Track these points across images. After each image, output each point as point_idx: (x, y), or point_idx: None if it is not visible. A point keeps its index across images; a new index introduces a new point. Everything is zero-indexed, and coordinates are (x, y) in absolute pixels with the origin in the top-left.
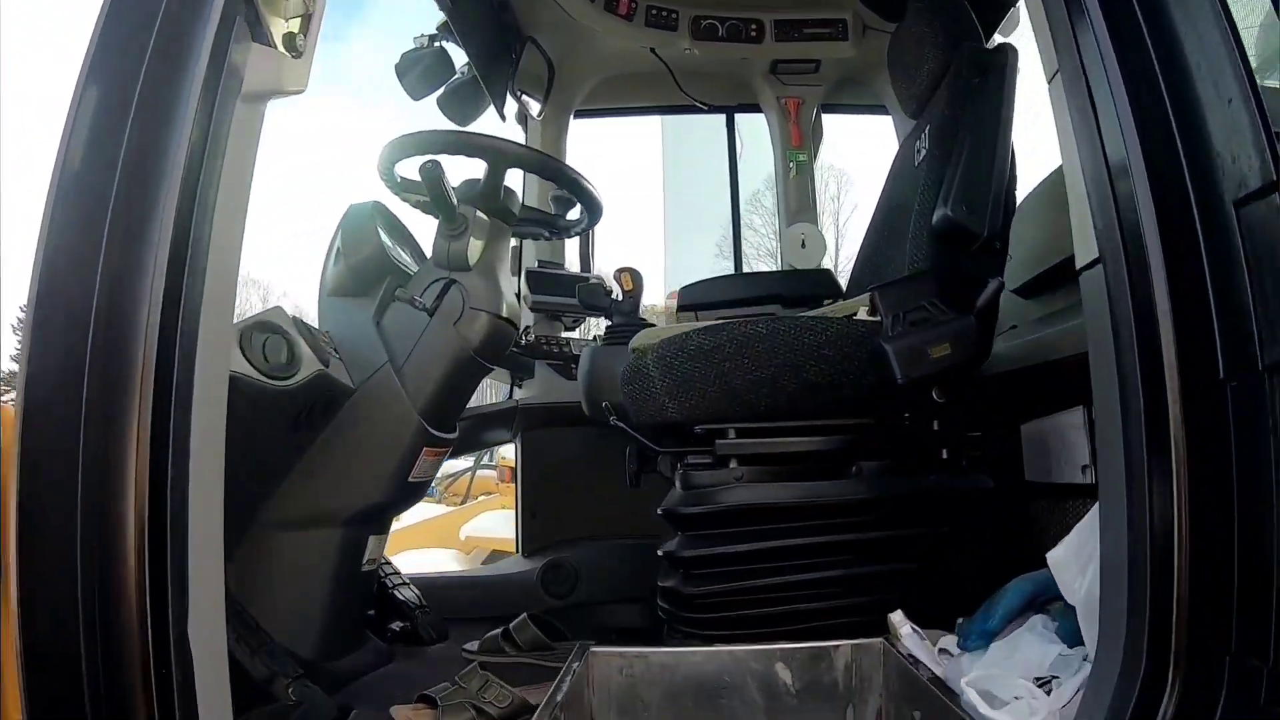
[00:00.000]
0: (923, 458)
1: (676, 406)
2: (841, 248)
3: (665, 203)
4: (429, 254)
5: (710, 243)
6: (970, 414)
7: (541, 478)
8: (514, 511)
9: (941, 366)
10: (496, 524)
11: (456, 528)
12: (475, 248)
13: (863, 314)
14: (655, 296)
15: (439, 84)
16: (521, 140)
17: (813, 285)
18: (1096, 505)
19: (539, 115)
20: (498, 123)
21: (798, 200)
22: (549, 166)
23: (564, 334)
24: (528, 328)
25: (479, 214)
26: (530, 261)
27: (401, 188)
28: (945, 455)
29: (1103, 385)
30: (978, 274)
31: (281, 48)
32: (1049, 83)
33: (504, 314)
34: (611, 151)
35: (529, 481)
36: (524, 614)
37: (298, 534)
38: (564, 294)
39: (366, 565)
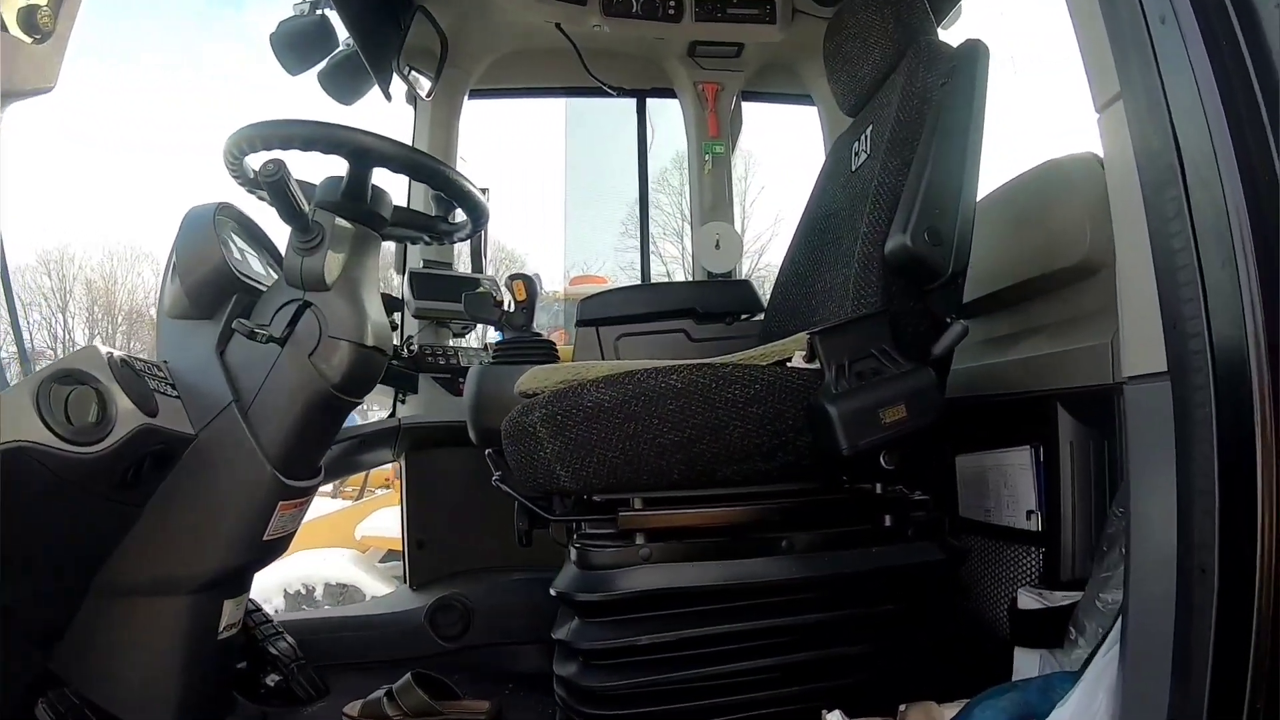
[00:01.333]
0: (863, 528)
1: (569, 474)
2: (746, 229)
3: (566, 182)
4: None
5: (614, 220)
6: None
7: (428, 504)
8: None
9: (895, 434)
10: (393, 521)
11: (352, 525)
12: (334, 262)
13: (798, 360)
14: (554, 282)
15: (319, 58)
16: (410, 124)
17: (730, 298)
18: (1097, 658)
19: (428, 95)
20: (383, 103)
21: (713, 196)
22: (423, 166)
23: (452, 342)
24: (410, 337)
25: (339, 221)
26: (415, 261)
27: (255, 184)
28: (889, 523)
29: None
30: (935, 311)
31: (17, 29)
32: (1101, 111)
33: (369, 342)
34: (510, 125)
35: (414, 508)
36: (408, 674)
37: (141, 602)
38: (452, 299)
39: (225, 632)
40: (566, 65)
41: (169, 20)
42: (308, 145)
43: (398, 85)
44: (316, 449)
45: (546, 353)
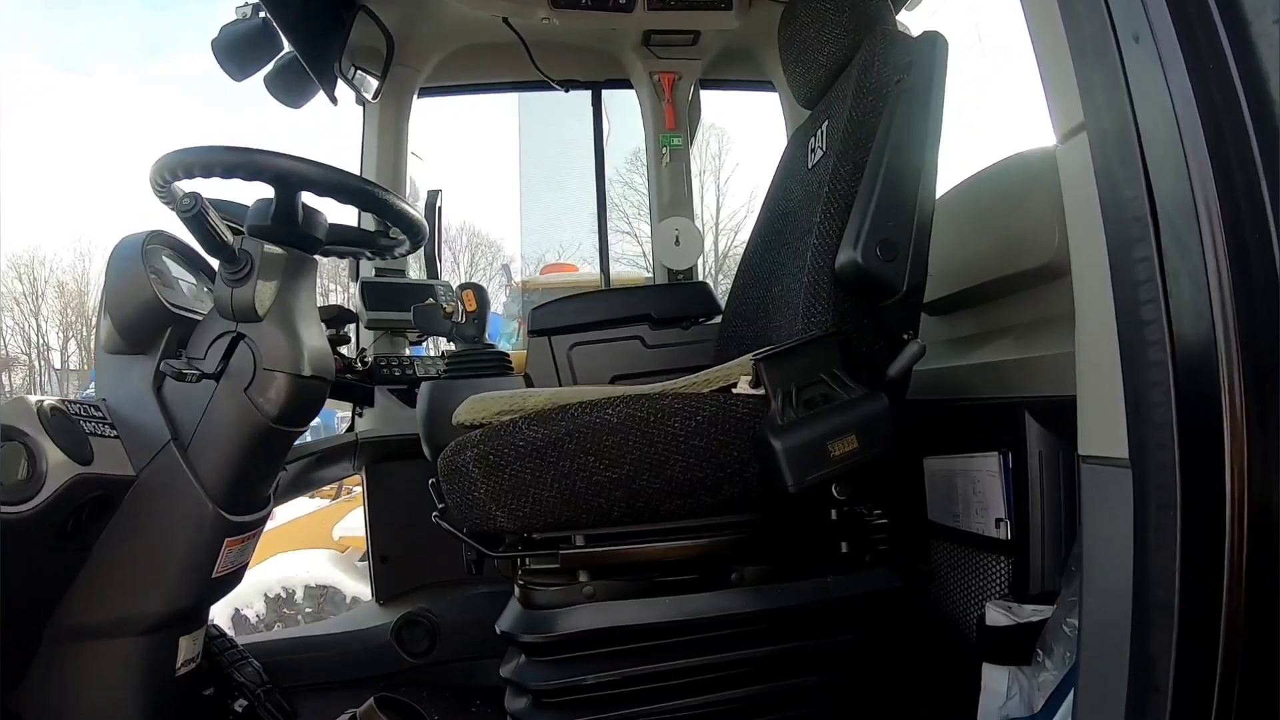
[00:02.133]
0: (818, 555)
1: (505, 515)
2: (722, 207)
3: (521, 171)
4: None
5: (572, 204)
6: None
7: (391, 517)
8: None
9: (845, 466)
10: None
11: (329, 525)
12: (266, 291)
13: (744, 385)
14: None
15: (263, 62)
16: (359, 125)
17: (686, 301)
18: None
19: (374, 97)
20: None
21: (671, 190)
22: (351, 189)
23: (408, 351)
24: (364, 349)
25: (269, 248)
26: (368, 270)
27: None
28: (845, 549)
29: None
30: (889, 328)
31: None
32: (1062, 143)
33: (306, 372)
34: (463, 115)
35: (378, 521)
36: (371, 699)
37: (95, 644)
38: (406, 308)
39: (183, 667)
40: (519, 59)
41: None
42: (229, 173)
43: (344, 88)
44: (261, 481)
45: (499, 365)
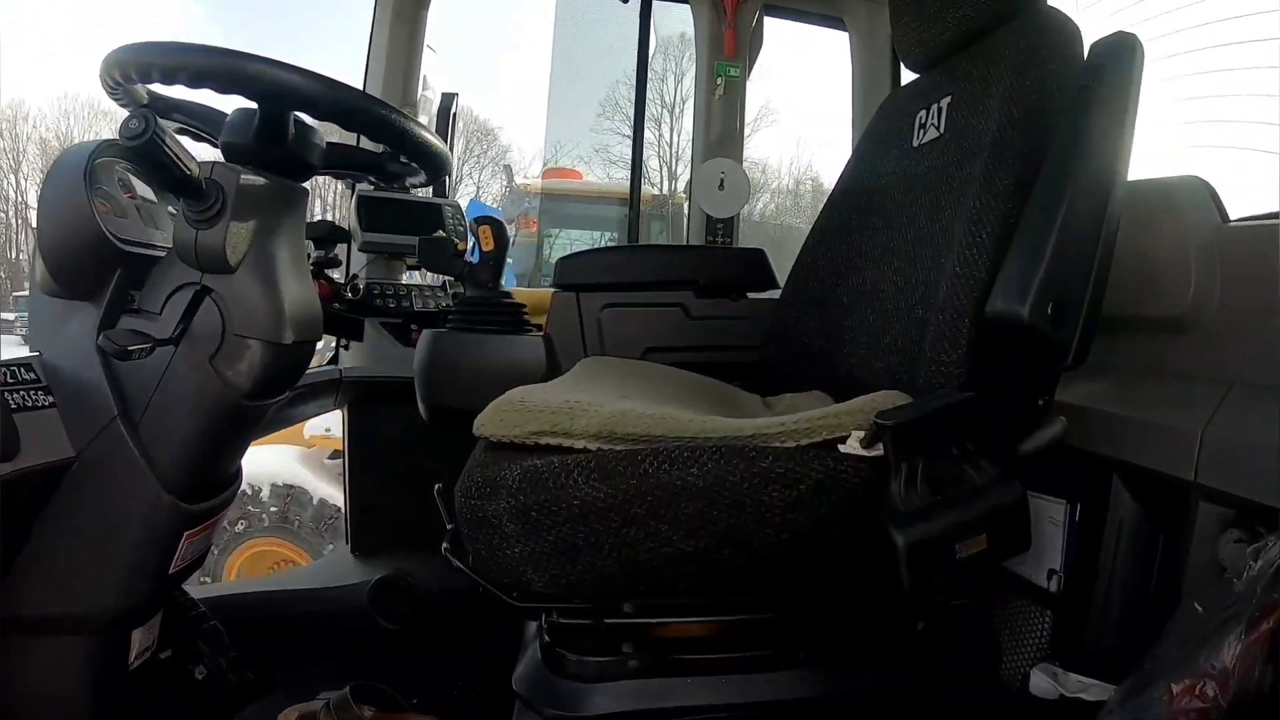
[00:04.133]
0: (893, 633)
1: (544, 579)
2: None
3: (552, 75)
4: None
5: (596, 107)
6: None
7: (374, 464)
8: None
9: (968, 570)
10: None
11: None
12: (240, 235)
13: (855, 443)
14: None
15: None
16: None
17: (738, 270)
18: None
19: None
20: None
21: (721, 127)
22: (359, 110)
23: (405, 278)
24: (355, 275)
25: (247, 178)
26: (364, 183)
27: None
28: (921, 627)
29: None
30: (1025, 390)
31: None
32: None
33: (288, 339)
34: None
35: (358, 467)
36: (347, 688)
37: (42, 641)
38: (408, 228)
39: (137, 660)
40: None
41: None
42: (196, 80)
43: None
44: (227, 462)
45: (515, 319)
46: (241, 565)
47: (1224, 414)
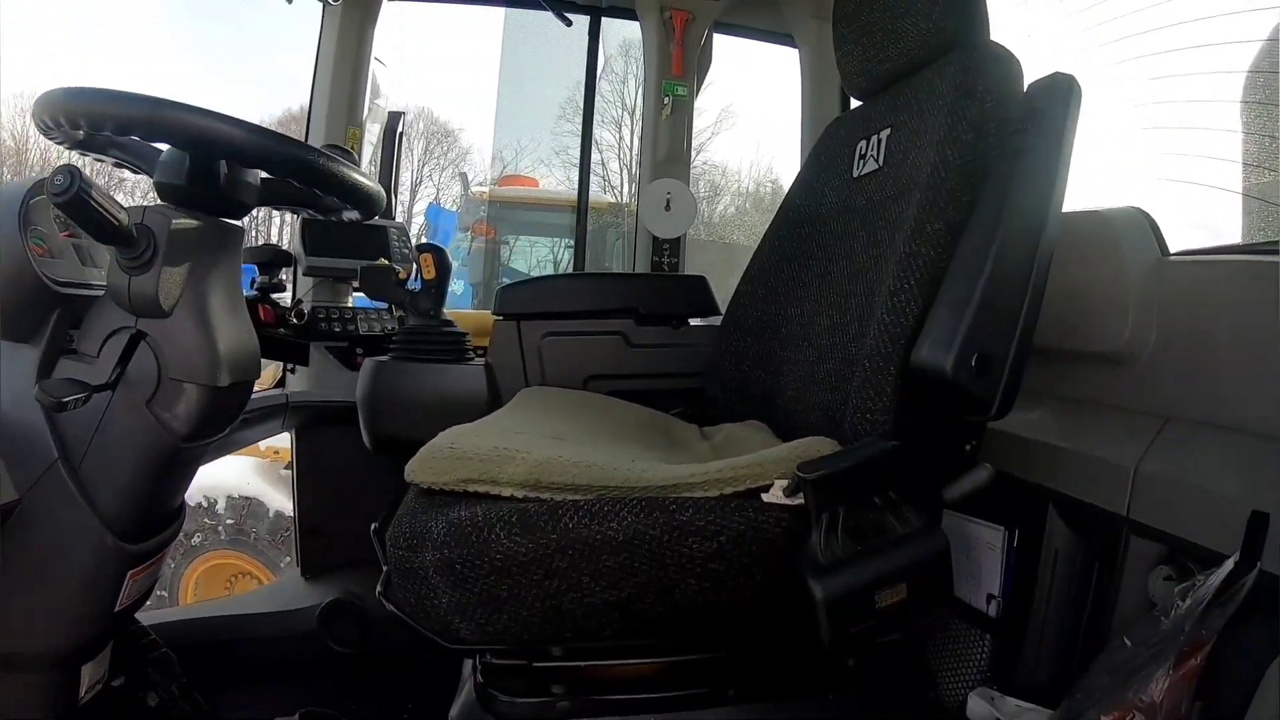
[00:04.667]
0: (823, 670)
1: (472, 628)
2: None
3: (499, 90)
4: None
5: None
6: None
7: (322, 486)
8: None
9: (889, 620)
10: None
11: None
12: (174, 279)
13: (778, 492)
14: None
15: None
16: (315, 28)
17: (678, 296)
18: None
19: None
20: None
21: (669, 146)
22: (286, 158)
23: (352, 300)
24: (300, 300)
25: (178, 221)
26: None
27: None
28: (851, 664)
29: None
30: (950, 436)
31: None
32: None
33: (224, 381)
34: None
35: (306, 489)
36: (296, 715)
37: None
38: (353, 252)
39: (88, 695)
40: None
41: None
42: (123, 130)
43: None
44: (169, 500)
45: (456, 348)
46: (198, 579)
47: (1157, 450)
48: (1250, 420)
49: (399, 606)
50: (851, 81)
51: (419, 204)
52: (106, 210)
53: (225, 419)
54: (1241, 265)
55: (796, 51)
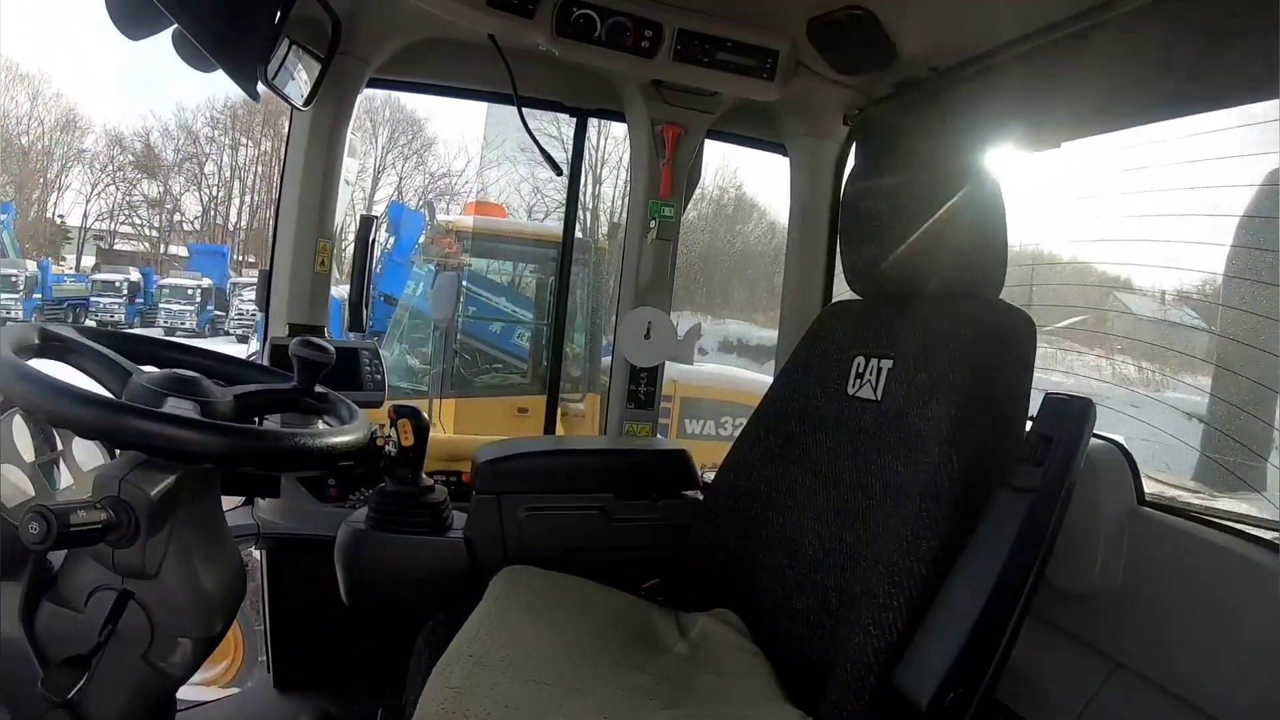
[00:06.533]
0: None
1: None
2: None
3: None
4: None
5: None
6: None
7: (294, 606)
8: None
9: None
10: None
11: None
12: (158, 544)
13: None
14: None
15: (165, 22)
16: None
17: (660, 471)
18: None
19: (306, 103)
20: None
21: (653, 273)
22: (251, 451)
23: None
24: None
25: (156, 490)
26: (280, 326)
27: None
28: None
29: None
30: None
31: None
32: None
33: (218, 629)
34: None
35: (279, 606)
36: None
37: None
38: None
39: None
40: (494, 63)
41: None
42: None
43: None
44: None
45: (435, 519)
46: None
47: (1103, 698)
48: (1195, 696)
49: None
50: (854, 279)
51: (381, 190)
52: (84, 530)
53: (207, 654)
54: (1212, 536)
55: (789, 160)
